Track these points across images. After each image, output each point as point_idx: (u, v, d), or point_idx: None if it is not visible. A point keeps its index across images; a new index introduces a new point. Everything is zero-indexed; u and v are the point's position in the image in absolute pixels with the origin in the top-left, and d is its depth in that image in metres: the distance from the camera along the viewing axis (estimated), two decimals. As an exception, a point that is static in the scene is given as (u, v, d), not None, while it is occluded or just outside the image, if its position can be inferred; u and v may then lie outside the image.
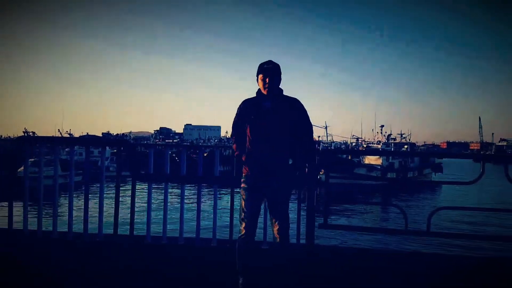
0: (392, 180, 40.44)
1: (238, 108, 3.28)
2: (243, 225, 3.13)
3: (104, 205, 4.33)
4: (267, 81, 3.12)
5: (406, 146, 53.20)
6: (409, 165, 44.72)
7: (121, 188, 4.31)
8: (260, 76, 3.17)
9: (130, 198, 4.28)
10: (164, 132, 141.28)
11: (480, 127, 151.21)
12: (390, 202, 26.70)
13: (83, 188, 4.37)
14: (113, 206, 4.21)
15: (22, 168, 4.61)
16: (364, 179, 44.09)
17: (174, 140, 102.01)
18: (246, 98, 3.31)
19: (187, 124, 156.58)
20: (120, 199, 4.28)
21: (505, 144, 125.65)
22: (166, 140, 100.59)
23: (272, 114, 3.11)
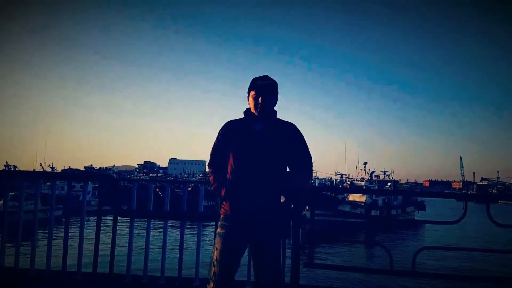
0: (376, 218, 40.45)
1: (219, 131, 2.73)
2: (211, 285, 2.44)
3: (85, 241, 4.22)
4: (260, 100, 2.59)
5: (389, 184, 53.59)
6: (393, 203, 44.84)
7: (103, 224, 4.22)
8: (252, 93, 2.65)
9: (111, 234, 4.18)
10: (148, 166, 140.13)
11: (462, 166, 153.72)
12: (374, 241, 26.56)
13: (64, 223, 4.27)
14: (94, 243, 4.10)
15: (1, 202, 4.50)
16: (349, 217, 43.99)
17: (158, 175, 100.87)
18: (231, 119, 2.79)
19: (172, 159, 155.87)
20: (102, 235, 4.18)
21: (486, 183, 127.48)
22: (150, 175, 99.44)
23: (263, 139, 2.57)
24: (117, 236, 4.22)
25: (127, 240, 4.20)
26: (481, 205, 3.98)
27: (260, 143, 2.57)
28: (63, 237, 4.18)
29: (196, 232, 4.27)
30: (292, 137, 2.66)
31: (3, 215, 4.25)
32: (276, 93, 2.71)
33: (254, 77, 2.73)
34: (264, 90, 2.63)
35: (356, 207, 39.30)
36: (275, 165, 2.58)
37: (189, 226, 4.52)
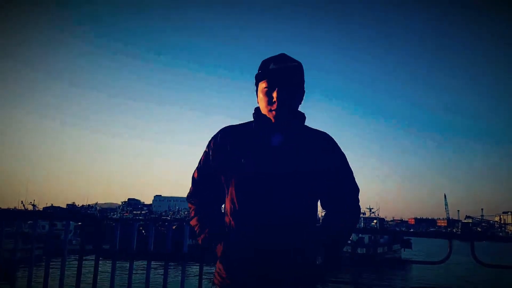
0: (362, 256, 40.08)
1: (210, 141, 1.79)
2: None
3: (66, 282, 4.10)
4: (276, 96, 1.65)
5: (375, 221, 53.61)
6: (379, 241, 44.62)
7: (85, 263, 4.12)
8: (263, 84, 1.70)
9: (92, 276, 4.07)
10: (132, 203, 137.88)
11: (446, 204, 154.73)
12: (361, 281, 26.21)
13: (44, 263, 4.15)
14: (75, 285, 3.98)
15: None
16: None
17: (143, 212, 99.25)
18: (228, 125, 1.83)
19: (156, 195, 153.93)
20: (84, 276, 4.07)
21: (471, 221, 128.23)
22: (134, 212, 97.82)
23: (284, 161, 1.63)
24: (99, 277, 4.11)
25: (109, 281, 4.09)
26: (467, 243, 4.02)
27: (281, 166, 1.61)
28: (43, 277, 4.06)
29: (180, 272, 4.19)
30: (328, 157, 1.71)
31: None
32: (302, 82, 1.74)
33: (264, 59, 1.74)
34: (282, 79, 1.66)
35: (342, 245, 38.91)
36: (304, 203, 1.63)
37: (173, 267, 4.43)
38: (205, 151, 1.82)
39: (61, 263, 4.10)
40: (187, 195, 1.89)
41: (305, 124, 1.81)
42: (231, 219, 1.67)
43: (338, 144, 1.81)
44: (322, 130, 1.82)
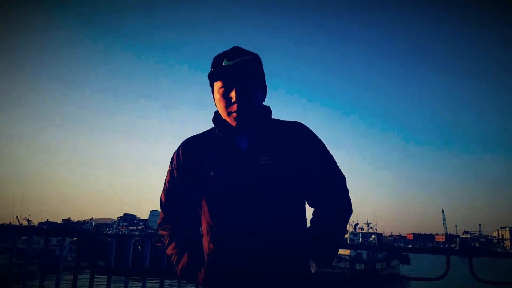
0: (361, 273, 39.81)
1: (173, 156, 1.63)
2: None
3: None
4: (234, 96, 1.48)
5: (373, 237, 53.51)
6: (378, 257, 44.37)
7: (80, 280, 4.07)
8: (218, 84, 1.52)
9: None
10: (128, 219, 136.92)
11: (444, 219, 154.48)
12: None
13: (39, 279, 4.11)
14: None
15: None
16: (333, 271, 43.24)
17: (139, 227, 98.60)
18: (190, 136, 1.65)
19: (152, 210, 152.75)
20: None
21: (469, 236, 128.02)
22: (130, 227, 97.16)
23: (258, 163, 1.44)
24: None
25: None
26: (465, 259, 4.00)
27: (255, 172, 1.43)
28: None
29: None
30: (306, 148, 1.52)
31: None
32: (262, 76, 1.57)
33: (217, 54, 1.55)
34: (239, 76, 1.48)
35: (340, 260, 38.72)
36: (288, 207, 1.45)
37: (168, 283, 4.38)
38: (168, 170, 1.63)
39: (55, 280, 4.05)
40: (158, 223, 1.71)
41: (274, 118, 1.63)
42: (209, 241, 1.46)
43: (314, 132, 1.59)
44: (293, 120, 1.62)
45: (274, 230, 1.40)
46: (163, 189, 1.66)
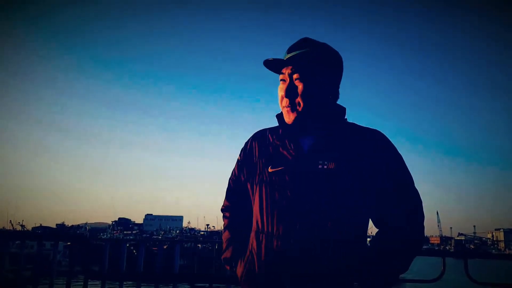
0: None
1: (243, 147, 1.59)
2: None
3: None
4: (284, 92, 1.39)
5: (369, 239, 53.48)
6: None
7: (74, 284, 4.03)
8: (280, 77, 1.42)
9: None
10: (123, 223, 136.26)
11: (439, 221, 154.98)
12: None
13: (32, 284, 4.07)
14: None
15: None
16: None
17: (133, 232, 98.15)
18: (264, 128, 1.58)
19: (147, 214, 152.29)
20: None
21: (463, 238, 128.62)
22: (125, 232, 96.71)
23: (316, 170, 1.32)
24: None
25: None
26: (460, 260, 4.00)
27: (311, 175, 1.32)
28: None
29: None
30: (379, 159, 1.36)
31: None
32: (328, 69, 1.40)
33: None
34: (300, 69, 1.35)
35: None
36: (346, 222, 1.31)
37: (163, 288, 4.35)
38: (237, 160, 1.60)
39: (49, 285, 4.01)
40: (221, 208, 1.69)
41: (350, 121, 1.46)
42: (254, 238, 1.40)
43: (393, 144, 1.41)
44: (372, 128, 1.43)
45: (320, 239, 1.28)
46: (230, 177, 1.66)
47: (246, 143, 1.58)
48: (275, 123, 1.50)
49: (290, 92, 1.36)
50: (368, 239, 1.44)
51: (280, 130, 1.47)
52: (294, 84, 1.37)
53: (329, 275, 1.26)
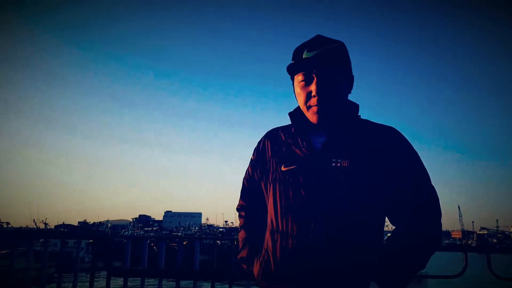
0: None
1: (256, 146, 1.60)
2: None
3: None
4: (315, 90, 1.34)
5: (389, 235, 53.03)
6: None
7: (96, 280, 4.12)
8: (298, 78, 1.40)
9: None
10: (143, 220, 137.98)
11: (460, 215, 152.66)
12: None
13: (56, 281, 4.17)
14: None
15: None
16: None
17: (154, 228, 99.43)
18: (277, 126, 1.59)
19: (167, 211, 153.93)
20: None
21: (486, 232, 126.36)
22: (145, 228, 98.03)
23: (330, 168, 1.32)
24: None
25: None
26: (482, 255, 3.93)
27: (324, 173, 1.32)
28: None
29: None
30: (394, 157, 1.35)
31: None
32: (347, 66, 1.42)
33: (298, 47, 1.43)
34: (321, 67, 1.35)
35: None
36: (356, 216, 1.30)
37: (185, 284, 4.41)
38: (251, 159, 1.62)
39: (73, 281, 4.10)
40: (236, 207, 1.71)
41: (363, 118, 1.46)
42: (269, 237, 1.40)
43: (409, 142, 1.40)
44: (386, 125, 1.42)
45: (336, 238, 1.27)
46: (244, 176, 1.68)
47: (259, 142, 1.59)
48: (288, 121, 1.52)
49: (321, 90, 1.35)
50: (385, 237, 1.44)
51: (293, 128, 1.48)
52: (322, 82, 1.35)
53: (345, 273, 1.26)
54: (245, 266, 1.55)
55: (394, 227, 1.40)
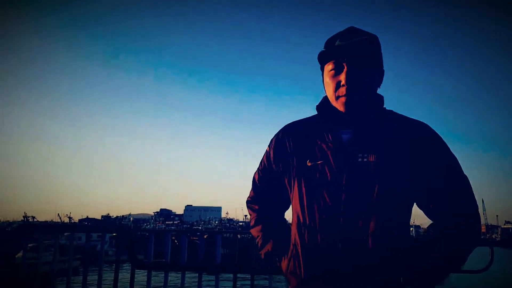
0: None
1: (272, 139, 1.55)
2: None
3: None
4: (344, 79, 1.31)
5: (411, 229, 52.48)
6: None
7: (120, 273, 4.20)
8: (329, 66, 1.37)
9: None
10: (164, 214, 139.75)
11: (484, 209, 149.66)
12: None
13: (81, 273, 4.27)
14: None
15: (20, 254, 4.54)
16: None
17: (174, 222, 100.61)
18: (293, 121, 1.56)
19: (187, 205, 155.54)
20: (120, 285, 4.14)
21: (510, 227, 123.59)
22: (167, 222, 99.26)
23: (359, 162, 1.29)
24: (135, 287, 4.19)
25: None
26: (507, 250, 3.85)
27: (351, 168, 1.29)
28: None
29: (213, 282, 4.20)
30: (426, 153, 1.31)
31: (21, 267, 4.28)
32: (379, 59, 1.40)
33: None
34: (352, 56, 1.32)
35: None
36: (391, 215, 1.28)
37: (207, 278, 4.45)
38: (266, 151, 1.56)
39: (98, 274, 4.19)
40: (247, 200, 1.65)
41: (393, 111, 1.43)
42: (296, 232, 1.36)
43: (441, 138, 1.36)
44: (417, 120, 1.38)
45: (365, 233, 1.25)
46: (258, 168, 1.62)
47: (277, 135, 1.54)
48: (304, 116, 1.52)
49: (350, 80, 1.32)
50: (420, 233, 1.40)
51: (318, 122, 1.44)
52: (353, 72, 1.32)
53: (376, 269, 1.24)
54: (269, 262, 1.50)
55: (429, 223, 1.37)
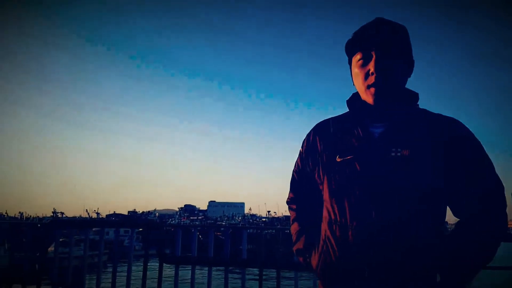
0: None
1: (304, 140, 1.56)
2: None
3: (132, 286, 4.27)
4: (373, 70, 1.28)
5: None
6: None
7: (148, 267, 4.27)
8: (357, 56, 1.35)
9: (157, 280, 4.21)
10: (189, 209, 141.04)
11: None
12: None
13: (111, 267, 4.36)
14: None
15: (52, 248, 4.68)
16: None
17: (199, 217, 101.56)
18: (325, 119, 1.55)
19: (211, 201, 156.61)
20: (148, 279, 4.22)
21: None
22: (191, 217, 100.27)
23: (390, 157, 1.26)
24: (163, 281, 4.26)
25: (173, 286, 4.22)
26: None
27: (384, 163, 1.26)
28: (110, 282, 4.25)
29: (240, 276, 4.23)
30: (458, 148, 1.28)
31: (53, 261, 4.41)
32: (408, 49, 1.36)
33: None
34: (381, 44, 1.29)
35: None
36: (423, 212, 1.24)
37: (234, 272, 4.49)
38: (299, 152, 1.56)
39: (127, 268, 4.28)
40: (286, 201, 1.66)
41: (424, 108, 1.39)
42: (327, 228, 1.34)
43: (473, 133, 1.32)
44: (449, 116, 1.35)
45: (397, 229, 1.21)
46: (293, 170, 1.62)
47: (308, 135, 1.53)
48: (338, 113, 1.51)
49: (379, 67, 1.29)
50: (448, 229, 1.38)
51: (348, 116, 1.43)
52: (381, 60, 1.29)
53: (409, 266, 1.21)
54: (301, 259, 1.49)
55: (457, 220, 1.35)
